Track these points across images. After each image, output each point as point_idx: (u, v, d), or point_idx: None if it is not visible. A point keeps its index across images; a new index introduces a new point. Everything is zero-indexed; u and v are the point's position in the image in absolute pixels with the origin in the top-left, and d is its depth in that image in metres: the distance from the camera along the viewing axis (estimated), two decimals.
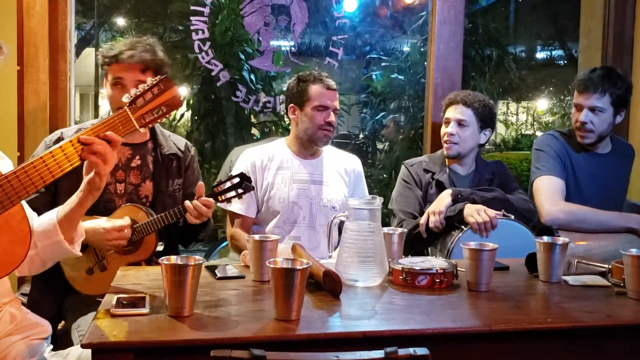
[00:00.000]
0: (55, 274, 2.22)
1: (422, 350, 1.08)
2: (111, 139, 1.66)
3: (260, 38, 3.44)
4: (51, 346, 1.91)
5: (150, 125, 1.78)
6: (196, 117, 5.47)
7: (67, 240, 1.79)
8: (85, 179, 1.72)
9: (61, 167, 1.66)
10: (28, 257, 1.76)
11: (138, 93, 1.75)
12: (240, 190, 2.22)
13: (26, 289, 2.45)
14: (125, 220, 2.13)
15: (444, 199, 2.55)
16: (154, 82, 1.76)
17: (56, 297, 2.30)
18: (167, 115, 1.80)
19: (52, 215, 1.80)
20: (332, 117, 2.63)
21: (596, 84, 2.64)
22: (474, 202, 2.53)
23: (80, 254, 1.88)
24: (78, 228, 1.85)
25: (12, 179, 1.63)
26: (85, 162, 1.69)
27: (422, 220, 2.56)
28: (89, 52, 7.58)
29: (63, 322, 2.30)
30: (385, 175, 6.00)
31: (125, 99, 1.74)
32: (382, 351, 1.09)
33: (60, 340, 2.13)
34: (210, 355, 1.21)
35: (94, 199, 1.76)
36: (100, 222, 2.15)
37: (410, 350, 1.08)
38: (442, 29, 3.21)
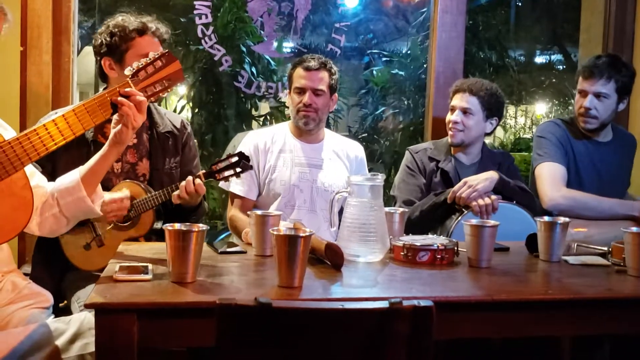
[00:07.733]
0: (55, 251, 2.23)
1: (426, 302, 1.09)
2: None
3: (263, 24, 3.43)
4: (52, 316, 1.90)
5: (152, 99, 1.80)
6: (197, 109, 5.47)
7: None
8: (113, 131, 1.77)
9: (64, 135, 1.68)
10: (52, 216, 1.83)
11: (140, 66, 1.76)
12: (238, 169, 2.21)
13: (27, 269, 2.44)
14: (124, 192, 2.12)
15: (488, 181, 2.48)
16: (156, 56, 1.78)
17: (56, 275, 2.29)
18: (169, 89, 1.82)
19: (75, 174, 1.84)
20: (307, 98, 2.57)
21: (601, 70, 2.65)
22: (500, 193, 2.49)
23: (100, 213, 1.91)
24: (97, 190, 1.88)
25: (15, 144, 1.64)
26: (115, 116, 1.75)
27: (456, 187, 2.48)
28: (89, 50, 7.54)
29: (65, 301, 2.30)
30: (385, 170, 6.00)
31: (128, 71, 1.76)
32: (387, 302, 1.09)
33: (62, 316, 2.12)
34: (214, 315, 1.21)
35: (118, 153, 1.82)
36: None
37: (415, 302, 1.08)
38: (444, 17, 3.22)
